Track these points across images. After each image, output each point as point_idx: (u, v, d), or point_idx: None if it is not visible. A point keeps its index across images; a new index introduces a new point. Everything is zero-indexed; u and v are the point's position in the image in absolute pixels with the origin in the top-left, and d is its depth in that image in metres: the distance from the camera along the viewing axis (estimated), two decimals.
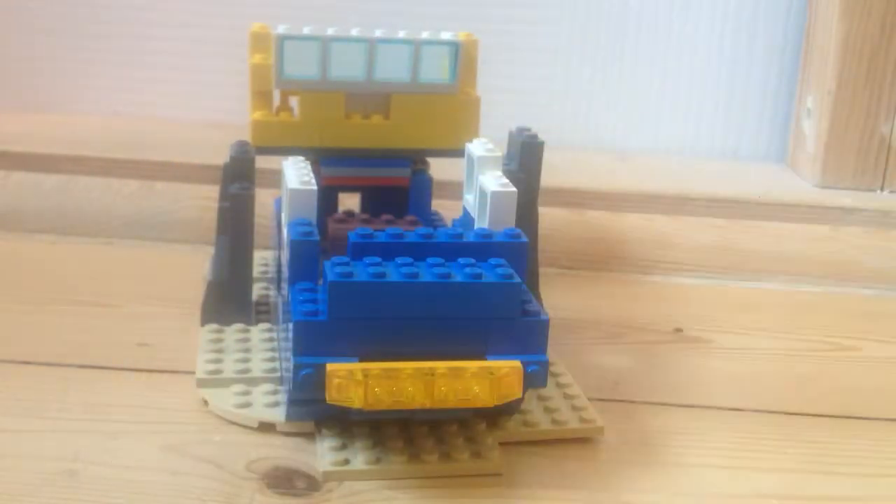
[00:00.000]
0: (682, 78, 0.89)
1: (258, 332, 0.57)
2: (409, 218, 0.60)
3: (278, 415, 0.49)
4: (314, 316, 0.43)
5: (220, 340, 0.56)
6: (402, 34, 0.57)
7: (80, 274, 0.69)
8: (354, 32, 0.57)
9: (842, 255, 0.76)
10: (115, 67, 0.90)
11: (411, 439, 0.47)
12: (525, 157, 0.58)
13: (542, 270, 0.65)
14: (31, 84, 0.91)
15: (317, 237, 0.46)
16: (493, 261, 0.46)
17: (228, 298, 0.57)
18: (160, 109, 0.91)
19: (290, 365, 0.42)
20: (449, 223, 0.60)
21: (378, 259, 0.44)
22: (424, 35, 0.58)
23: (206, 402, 0.50)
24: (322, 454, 0.46)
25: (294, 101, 0.58)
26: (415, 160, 0.62)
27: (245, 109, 0.58)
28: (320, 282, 0.45)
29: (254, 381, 0.52)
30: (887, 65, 0.78)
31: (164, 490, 0.43)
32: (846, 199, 0.78)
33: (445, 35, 0.58)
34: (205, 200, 0.76)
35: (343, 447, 0.46)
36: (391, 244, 0.46)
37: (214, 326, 0.57)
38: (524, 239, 0.47)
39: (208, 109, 0.90)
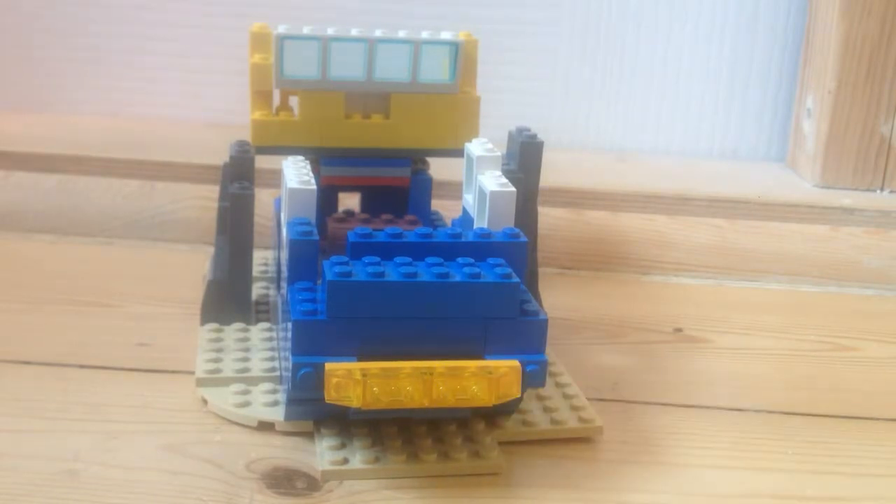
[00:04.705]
0: (681, 78, 0.89)
1: (258, 332, 0.57)
2: (409, 218, 0.60)
3: (277, 414, 0.49)
4: (313, 315, 0.43)
5: (219, 340, 0.56)
6: (402, 34, 0.57)
7: (80, 274, 0.69)
8: (354, 32, 0.57)
9: (841, 254, 0.76)
10: (115, 67, 0.90)
11: (410, 438, 0.47)
12: (524, 157, 0.58)
13: (541, 270, 0.65)
14: (31, 84, 0.91)
15: (316, 237, 0.46)
16: (491, 260, 0.46)
17: (228, 298, 0.57)
18: (160, 109, 0.91)
19: (289, 364, 0.43)
20: (449, 223, 0.60)
21: (377, 259, 0.44)
22: (424, 35, 0.58)
23: (205, 402, 0.50)
24: (321, 453, 0.46)
25: (294, 101, 0.58)
26: (415, 160, 0.62)
27: (245, 109, 0.58)
28: (319, 281, 0.45)
29: (253, 381, 0.52)
30: (887, 65, 0.78)
31: (163, 490, 0.43)
32: (846, 199, 0.78)
33: (445, 35, 0.58)
34: (205, 200, 0.76)
35: (342, 446, 0.46)
36: (390, 244, 0.46)
37: (214, 326, 0.57)
38: (523, 238, 0.47)
39: (208, 109, 0.90)
